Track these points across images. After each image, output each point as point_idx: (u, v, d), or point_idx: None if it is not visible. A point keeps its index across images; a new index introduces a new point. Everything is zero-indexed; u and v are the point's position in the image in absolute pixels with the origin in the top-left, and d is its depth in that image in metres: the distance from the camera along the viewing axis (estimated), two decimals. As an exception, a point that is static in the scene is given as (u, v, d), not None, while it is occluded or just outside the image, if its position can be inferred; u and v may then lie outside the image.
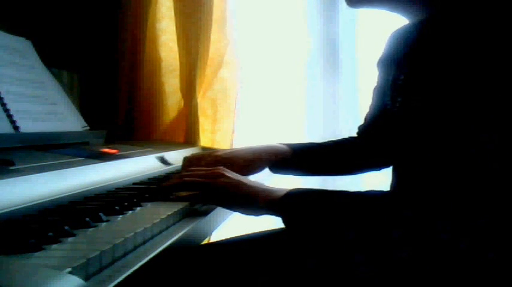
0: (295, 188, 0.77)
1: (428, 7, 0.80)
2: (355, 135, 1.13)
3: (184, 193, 0.82)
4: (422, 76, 0.75)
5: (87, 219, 0.60)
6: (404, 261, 0.67)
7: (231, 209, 0.82)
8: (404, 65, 0.83)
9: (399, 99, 0.82)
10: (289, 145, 1.06)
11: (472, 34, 0.66)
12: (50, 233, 0.52)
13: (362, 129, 1.10)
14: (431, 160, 0.70)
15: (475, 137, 0.62)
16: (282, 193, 0.75)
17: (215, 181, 0.80)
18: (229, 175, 0.81)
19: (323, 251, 0.75)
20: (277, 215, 0.75)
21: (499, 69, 0.62)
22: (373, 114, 1.04)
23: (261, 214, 0.78)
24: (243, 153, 1.01)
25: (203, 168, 0.88)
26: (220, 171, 0.82)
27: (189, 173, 0.85)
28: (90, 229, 0.59)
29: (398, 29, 0.94)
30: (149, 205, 0.76)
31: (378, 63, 1.00)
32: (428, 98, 0.72)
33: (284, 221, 0.74)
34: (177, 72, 1.63)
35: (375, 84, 1.03)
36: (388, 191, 0.87)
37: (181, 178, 0.83)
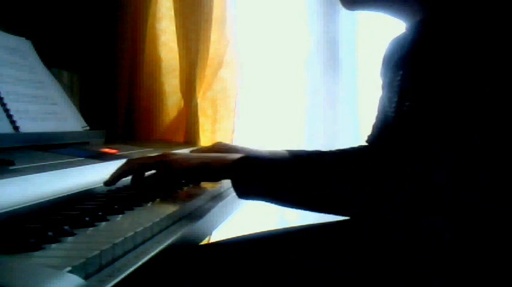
0: (249, 154, 0.80)
1: (423, 9, 0.80)
2: (365, 143, 1.09)
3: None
4: (417, 76, 0.75)
5: (87, 219, 0.60)
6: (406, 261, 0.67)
7: (188, 180, 0.85)
8: (400, 67, 0.83)
9: (394, 100, 0.83)
10: (289, 151, 1.04)
11: (464, 34, 0.66)
12: (50, 233, 0.52)
13: (370, 139, 1.07)
14: (425, 162, 0.70)
15: (467, 138, 0.62)
16: (234, 158, 0.77)
17: (165, 157, 0.82)
18: (177, 152, 0.84)
19: (323, 251, 0.76)
20: (231, 179, 0.77)
21: (489, 68, 0.62)
22: (378, 122, 1.03)
23: (218, 180, 0.83)
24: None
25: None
26: (166, 152, 0.85)
27: (136, 158, 0.87)
28: (90, 229, 0.59)
29: (397, 35, 0.95)
30: (149, 204, 0.76)
31: (380, 71, 0.99)
32: (423, 97, 0.72)
33: (234, 185, 0.76)
34: (177, 72, 1.63)
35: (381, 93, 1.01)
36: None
37: (129, 163, 0.83)
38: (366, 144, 1.09)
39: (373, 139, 1.07)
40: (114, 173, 0.83)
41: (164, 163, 0.81)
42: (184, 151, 1.38)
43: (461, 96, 0.64)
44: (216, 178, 0.83)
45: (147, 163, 0.83)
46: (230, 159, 0.78)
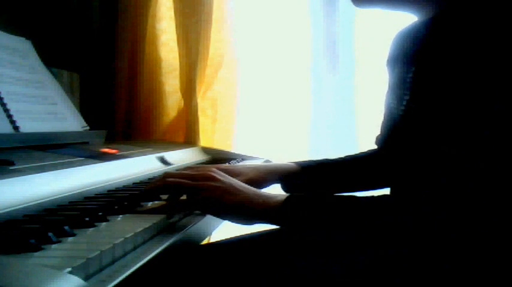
0: (293, 195, 0.71)
1: (439, 4, 0.79)
2: (374, 146, 1.06)
3: (157, 203, 0.74)
4: (431, 73, 0.74)
5: (87, 219, 0.60)
6: (405, 260, 0.67)
7: (220, 218, 0.75)
8: (413, 63, 0.81)
9: (406, 98, 0.81)
10: (298, 163, 1.01)
11: (481, 31, 0.65)
12: (50, 233, 0.52)
13: (380, 142, 1.03)
14: (433, 160, 0.70)
15: (480, 138, 0.62)
16: (280, 200, 0.70)
17: (204, 183, 0.72)
18: (220, 178, 0.73)
19: (322, 251, 0.75)
20: (274, 224, 0.72)
21: (508, 67, 0.61)
22: (386, 122, 0.99)
23: (254, 223, 0.73)
24: (245, 169, 0.94)
25: (189, 172, 0.78)
26: (210, 172, 0.74)
27: (174, 174, 0.77)
28: (90, 229, 0.59)
29: (405, 28, 0.92)
30: (149, 204, 0.76)
31: (387, 64, 0.97)
32: (435, 96, 0.71)
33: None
34: (177, 72, 1.63)
35: (387, 89, 0.97)
36: (387, 195, 0.87)
37: (164, 179, 0.75)
38: (376, 147, 1.07)
39: (382, 141, 1.02)
40: (149, 185, 0.76)
41: (203, 196, 0.71)
42: (184, 151, 1.38)
43: (478, 102, 0.62)
44: (252, 222, 0.73)
45: (185, 186, 0.73)
46: (274, 202, 0.70)
